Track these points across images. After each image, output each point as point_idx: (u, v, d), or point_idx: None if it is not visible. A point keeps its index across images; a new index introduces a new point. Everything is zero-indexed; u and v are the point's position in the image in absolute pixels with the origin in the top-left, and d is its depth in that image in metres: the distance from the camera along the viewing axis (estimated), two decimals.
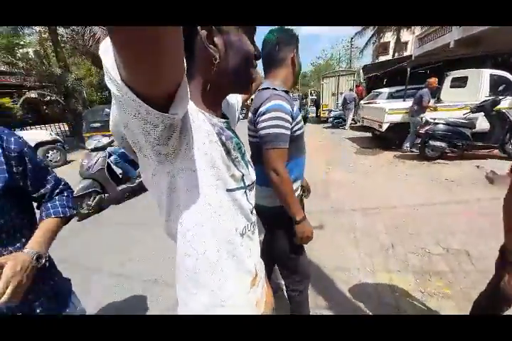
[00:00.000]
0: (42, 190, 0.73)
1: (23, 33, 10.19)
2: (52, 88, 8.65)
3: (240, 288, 0.53)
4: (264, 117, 0.96)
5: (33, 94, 10.22)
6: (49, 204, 0.74)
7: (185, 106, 0.35)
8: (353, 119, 9.00)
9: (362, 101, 7.95)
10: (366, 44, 21.38)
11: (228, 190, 0.48)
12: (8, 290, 0.54)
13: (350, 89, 9.73)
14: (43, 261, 0.65)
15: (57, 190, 0.77)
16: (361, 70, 14.24)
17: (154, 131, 0.34)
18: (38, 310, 0.70)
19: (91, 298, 1.82)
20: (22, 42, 10.87)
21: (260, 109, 0.97)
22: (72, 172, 5.98)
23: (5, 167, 0.61)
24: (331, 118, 9.81)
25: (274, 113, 0.95)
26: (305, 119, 10.90)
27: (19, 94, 10.08)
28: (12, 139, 0.64)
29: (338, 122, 9.55)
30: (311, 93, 17.32)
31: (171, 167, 0.41)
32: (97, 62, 10.23)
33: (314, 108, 14.47)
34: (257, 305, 0.58)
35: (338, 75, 10.82)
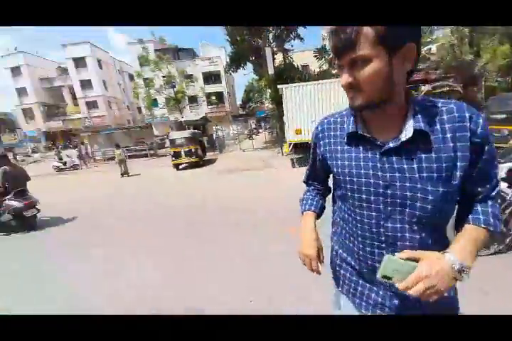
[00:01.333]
0: (479, 188, 0.60)
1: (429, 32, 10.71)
2: (455, 77, 8.74)
3: None
4: None
5: (427, 86, 11.23)
6: (479, 208, 0.61)
7: None
8: None
9: None
10: None
11: None
12: (418, 287, 0.48)
13: None
14: (465, 275, 0.52)
15: (494, 193, 0.61)
16: None
17: None
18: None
19: None
20: (428, 40, 11.54)
21: None
22: None
23: (467, 153, 0.55)
24: None
25: None
26: None
27: (416, 87, 11.56)
28: (481, 121, 0.55)
29: None
30: None
31: None
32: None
33: None
34: None
35: None
